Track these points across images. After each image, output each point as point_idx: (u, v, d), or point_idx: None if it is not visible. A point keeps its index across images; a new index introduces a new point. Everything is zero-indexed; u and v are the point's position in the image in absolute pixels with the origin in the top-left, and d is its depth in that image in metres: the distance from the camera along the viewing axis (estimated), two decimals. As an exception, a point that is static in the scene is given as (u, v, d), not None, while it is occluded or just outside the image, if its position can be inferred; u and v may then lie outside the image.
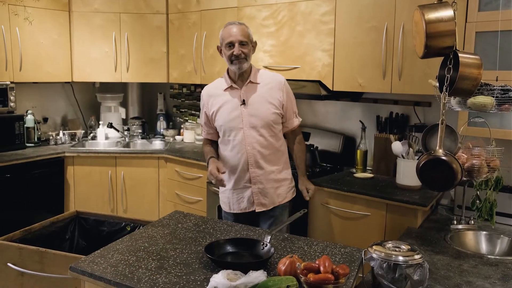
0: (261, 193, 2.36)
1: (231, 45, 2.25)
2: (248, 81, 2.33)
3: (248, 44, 2.28)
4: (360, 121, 3.19)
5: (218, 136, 2.45)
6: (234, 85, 2.34)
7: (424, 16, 1.73)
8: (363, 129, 3.17)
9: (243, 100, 2.31)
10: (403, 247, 1.46)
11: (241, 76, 2.33)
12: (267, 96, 2.33)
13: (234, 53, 2.24)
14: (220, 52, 2.35)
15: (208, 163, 2.32)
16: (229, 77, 2.36)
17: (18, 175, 3.46)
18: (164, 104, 4.68)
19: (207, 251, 1.66)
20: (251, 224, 2.33)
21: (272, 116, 2.33)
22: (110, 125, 4.23)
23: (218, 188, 2.50)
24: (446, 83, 1.75)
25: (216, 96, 2.38)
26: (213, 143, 2.51)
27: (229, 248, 1.75)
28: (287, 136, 2.50)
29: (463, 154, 2.07)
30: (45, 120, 4.26)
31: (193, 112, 4.44)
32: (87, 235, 2.66)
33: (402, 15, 2.66)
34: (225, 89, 2.35)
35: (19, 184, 3.47)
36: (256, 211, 2.37)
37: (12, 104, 3.69)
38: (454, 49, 1.76)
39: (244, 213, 2.41)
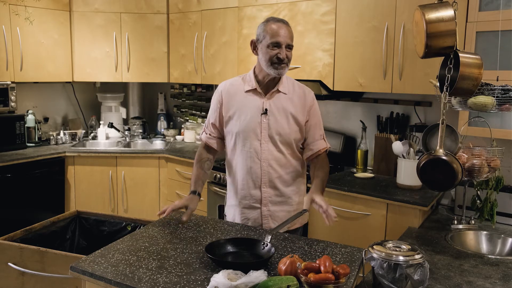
0: (271, 216, 2.07)
1: (277, 45, 1.95)
2: (275, 89, 2.04)
3: (292, 49, 2.02)
4: (361, 121, 3.19)
5: (220, 145, 2.18)
6: (259, 89, 2.04)
7: (424, 16, 1.73)
8: (364, 129, 3.17)
9: (265, 110, 2.01)
10: (404, 247, 1.46)
11: (268, 82, 2.04)
12: (292, 110, 2.04)
13: (280, 56, 1.95)
14: (254, 48, 2.04)
15: (191, 194, 2.04)
16: (255, 78, 2.07)
17: (19, 175, 3.46)
18: (164, 104, 4.68)
19: (208, 250, 1.66)
20: None
21: (295, 134, 2.05)
22: (111, 125, 4.23)
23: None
24: (447, 83, 1.75)
25: (234, 95, 2.07)
26: (210, 153, 2.19)
27: (230, 248, 1.75)
28: (311, 160, 2.12)
29: (464, 154, 2.07)
30: (46, 120, 4.27)
31: (193, 112, 4.44)
32: (88, 234, 2.66)
33: (403, 15, 2.66)
34: (247, 91, 2.05)
35: (19, 184, 3.48)
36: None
37: (12, 104, 3.69)
38: (454, 49, 1.76)
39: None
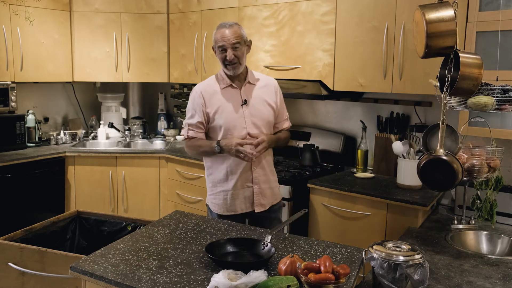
0: (261, 194, 2.34)
1: (223, 49, 2.21)
2: (246, 81, 2.32)
3: (242, 45, 2.23)
4: (361, 121, 3.19)
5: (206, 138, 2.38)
6: (234, 85, 2.30)
7: (424, 16, 1.73)
8: (364, 129, 3.17)
9: (245, 100, 2.28)
10: (404, 247, 1.46)
11: (237, 76, 2.31)
12: (265, 97, 2.34)
13: (227, 58, 2.21)
14: (215, 52, 2.31)
15: (220, 145, 2.21)
16: (227, 76, 2.31)
17: (19, 175, 3.46)
18: (164, 104, 4.68)
19: (208, 250, 1.66)
20: (249, 224, 2.31)
21: (271, 117, 2.35)
22: (111, 125, 4.23)
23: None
24: (447, 83, 1.75)
25: (213, 94, 2.29)
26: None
27: (230, 248, 1.75)
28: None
29: (464, 154, 2.07)
30: (46, 120, 4.27)
31: (193, 112, 4.44)
32: (88, 234, 2.66)
33: (403, 15, 2.66)
34: (224, 88, 2.29)
35: (20, 184, 3.48)
36: (256, 211, 2.34)
37: (13, 104, 3.69)
38: (454, 49, 1.76)
39: (239, 215, 2.34)
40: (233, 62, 2.22)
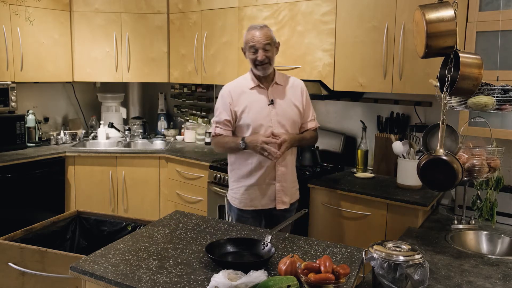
0: (283, 191, 2.40)
1: (254, 49, 2.29)
2: (274, 82, 2.38)
3: (272, 47, 2.31)
4: (361, 121, 3.19)
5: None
6: (261, 85, 2.37)
7: (424, 16, 1.73)
8: (364, 129, 3.17)
9: (271, 100, 2.35)
10: (404, 247, 1.46)
11: (265, 77, 2.37)
12: (291, 98, 2.40)
13: (258, 58, 2.28)
14: (244, 53, 2.38)
15: (245, 142, 2.27)
16: (255, 76, 2.38)
17: (19, 175, 3.46)
18: (165, 104, 4.68)
19: (208, 250, 1.66)
20: (266, 222, 2.42)
21: (296, 117, 2.40)
22: (111, 125, 4.23)
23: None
24: (447, 83, 1.75)
25: (241, 94, 2.36)
26: None
27: (230, 248, 1.75)
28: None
29: (464, 154, 2.07)
30: (46, 120, 4.27)
31: (193, 112, 4.44)
32: (88, 234, 2.66)
33: (403, 15, 2.66)
34: (252, 88, 2.37)
35: (20, 184, 3.48)
36: (277, 208, 2.40)
37: (13, 104, 3.69)
38: (455, 49, 1.76)
39: (259, 211, 2.42)
40: (264, 62, 2.29)
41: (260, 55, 2.28)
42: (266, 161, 2.32)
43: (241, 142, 2.28)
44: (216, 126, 2.40)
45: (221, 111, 2.38)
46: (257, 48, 2.28)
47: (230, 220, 2.82)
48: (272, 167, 2.36)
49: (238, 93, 2.36)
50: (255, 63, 2.31)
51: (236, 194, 2.43)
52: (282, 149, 2.22)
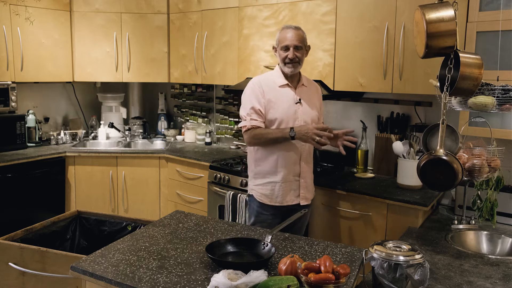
0: (306, 187, 2.48)
1: (286, 48, 2.36)
2: (300, 83, 2.47)
3: (303, 49, 2.39)
4: (361, 121, 3.19)
5: None
6: (290, 84, 2.43)
7: (425, 16, 1.73)
8: (364, 129, 3.17)
9: (299, 99, 2.42)
10: (404, 247, 1.46)
11: (292, 77, 2.44)
12: (314, 100, 2.51)
13: (289, 56, 2.35)
14: (275, 51, 2.45)
15: (294, 131, 2.28)
16: (284, 76, 2.44)
17: (20, 175, 3.46)
18: (165, 104, 4.68)
19: (208, 250, 1.66)
20: (284, 219, 2.39)
21: (316, 118, 2.49)
22: (111, 125, 4.24)
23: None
24: (447, 83, 1.75)
25: (271, 89, 2.41)
26: None
27: (230, 248, 1.76)
28: None
29: (464, 154, 2.07)
30: (46, 120, 4.27)
31: (194, 112, 4.44)
32: (88, 234, 2.66)
33: (403, 15, 2.66)
34: (281, 86, 2.42)
35: (20, 184, 3.48)
36: (301, 204, 2.45)
37: (13, 104, 3.69)
38: (455, 49, 1.76)
39: (281, 208, 2.44)
40: (294, 60, 2.36)
41: (291, 54, 2.34)
42: (290, 157, 2.40)
43: (290, 130, 2.28)
44: (251, 119, 2.38)
45: (252, 100, 2.39)
46: (289, 46, 2.35)
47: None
48: (297, 163, 2.43)
49: (268, 87, 2.41)
50: (285, 61, 2.37)
51: (261, 189, 2.46)
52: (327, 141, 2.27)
